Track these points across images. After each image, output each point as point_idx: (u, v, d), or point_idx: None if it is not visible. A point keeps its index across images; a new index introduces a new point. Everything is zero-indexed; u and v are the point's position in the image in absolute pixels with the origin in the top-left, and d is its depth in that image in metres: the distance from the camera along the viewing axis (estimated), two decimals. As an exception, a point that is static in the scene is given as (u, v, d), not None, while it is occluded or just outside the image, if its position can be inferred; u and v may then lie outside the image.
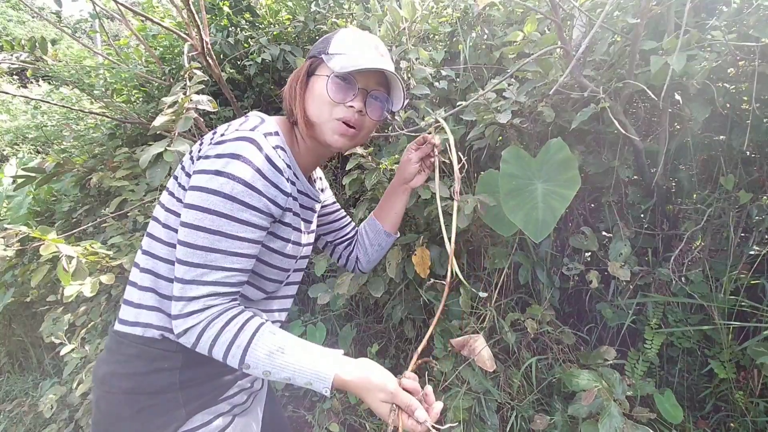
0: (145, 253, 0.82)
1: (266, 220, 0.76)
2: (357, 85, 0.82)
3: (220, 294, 0.72)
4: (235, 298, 0.75)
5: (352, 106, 0.82)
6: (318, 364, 0.69)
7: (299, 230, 0.88)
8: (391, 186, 1.11)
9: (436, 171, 1.04)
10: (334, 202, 1.16)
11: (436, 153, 1.04)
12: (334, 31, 0.93)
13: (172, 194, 0.81)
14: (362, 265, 1.18)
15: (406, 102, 0.92)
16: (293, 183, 0.83)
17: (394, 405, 0.70)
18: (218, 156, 0.71)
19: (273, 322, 0.94)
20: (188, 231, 0.71)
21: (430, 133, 1.07)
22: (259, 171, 0.72)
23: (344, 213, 1.18)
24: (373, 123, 0.88)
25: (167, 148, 1.32)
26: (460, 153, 1.03)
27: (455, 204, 0.98)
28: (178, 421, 0.77)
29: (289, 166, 0.82)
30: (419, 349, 0.85)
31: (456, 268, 0.90)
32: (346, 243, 1.18)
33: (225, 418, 0.83)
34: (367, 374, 0.70)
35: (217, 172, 0.70)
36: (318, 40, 0.89)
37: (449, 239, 0.93)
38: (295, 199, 0.84)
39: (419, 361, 0.85)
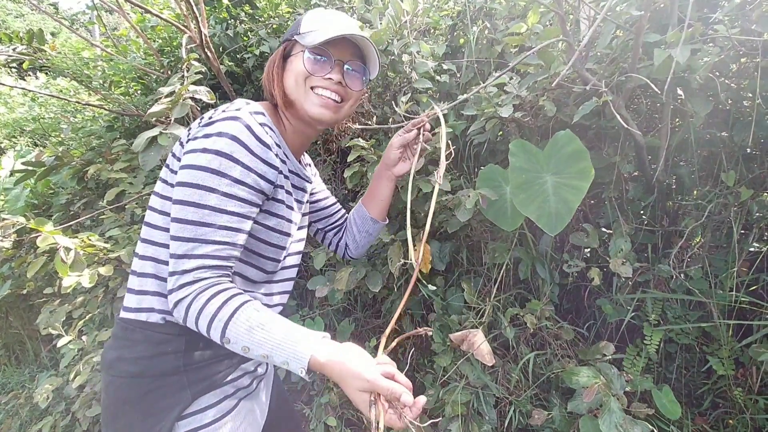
0: (145, 241, 0.83)
1: (256, 196, 0.77)
2: (332, 57, 0.84)
3: (209, 267, 0.72)
4: (226, 273, 0.75)
5: (330, 78, 0.83)
6: (297, 343, 0.67)
7: (291, 208, 0.89)
8: (376, 171, 1.13)
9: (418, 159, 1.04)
10: (323, 190, 1.17)
11: (421, 140, 1.03)
12: (303, 14, 0.94)
13: (165, 181, 0.82)
14: (351, 252, 1.19)
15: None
16: (284, 161, 0.85)
17: (373, 396, 0.64)
18: (206, 136, 0.73)
19: (274, 305, 0.95)
20: (179, 207, 0.72)
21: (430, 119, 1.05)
22: (246, 146, 0.73)
23: (334, 200, 1.20)
24: (356, 93, 0.89)
25: (162, 131, 1.32)
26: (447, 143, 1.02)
27: (435, 188, 0.96)
28: (183, 403, 0.78)
29: (278, 145, 0.83)
30: (387, 331, 0.83)
31: (416, 262, 0.90)
32: (336, 230, 1.19)
33: (230, 400, 0.84)
34: (344, 358, 0.66)
35: (204, 150, 0.72)
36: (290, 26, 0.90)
37: (423, 227, 0.92)
38: (286, 177, 0.86)
39: (395, 341, 0.82)
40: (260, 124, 0.77)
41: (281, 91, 0.86)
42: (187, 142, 0.77)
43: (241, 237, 0.76)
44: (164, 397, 0.78)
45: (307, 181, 0.97)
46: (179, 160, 0.79)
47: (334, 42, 0.82)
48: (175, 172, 0.78)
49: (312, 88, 0.84)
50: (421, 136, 1.04)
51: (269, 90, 0.89)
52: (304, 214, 1.00)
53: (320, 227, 1.19)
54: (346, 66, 0.86)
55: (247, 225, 0.77)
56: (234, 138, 0.72)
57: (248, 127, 0.74)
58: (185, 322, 0.72)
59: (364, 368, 0.65)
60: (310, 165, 1.11)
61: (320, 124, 0.89)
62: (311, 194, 1.12)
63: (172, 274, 0.72)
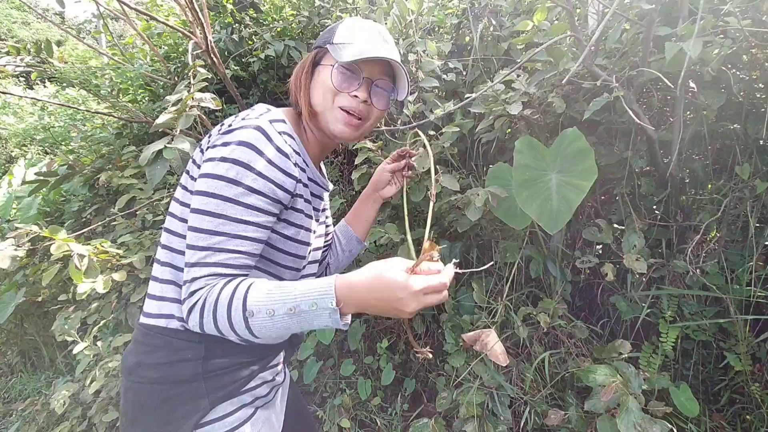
0: (164, 247, 0.83)
1: (273, 206, 0.76)
2: (362, 74, 0.82)
3: (221, 275, 0.71)
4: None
5: (356, 96, 0.82)
6: (317, 282, 0.66)
7: (310, 217, 0.88)
8: (364, 193, 1.14)
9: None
10: (327, 208, 1.16)
11: (413, 161, 1.09)
12: (339, 20, 0.92)
13: (185, 188, 0.82)
14: (330, 272, 1.18)
15: (411, 92, 0.90)
16: (303, 170, 0.84)
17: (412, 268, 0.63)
18: (224, 144, 0.72)
19: None
20: (195, 216, 0.72)
21: (413, 145, 1.09)
22: (264, 156, 0.72)
23: (331, 219, 1.19)
24: (380, 113, 0.88)
25: (167, 145, 1.32)
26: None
27: (431, 205, 0.96)
28: (201, 411, 0.78)
29: (298, 153, 0.82)
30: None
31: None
32: (324, 247, 1.18)
33: (247, 409, 0.84)
34: (375, 272, 0.64)
35: (222, 158, 0.71)
36: (324, 30, 0.89)
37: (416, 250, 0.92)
38: (305, 185, 0.85)
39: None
40: (279, 132, 0.76)
41: (307, 101, 0.85)
42: (206, 150, 0.77)
43: (256, 246, 0.75)
44: (183, 404, 0.78)
45: (325, 189, 0.96)
46: (199, 167, 0.78)
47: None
48: (195, 179, 0.78)
49: (339, 106, 0.82)
50: (410, 158, 1.10)
51: (295, 97, 0.88)
52: (321, 222, 0.99)
53: None
54: (374, 84, 0.85)
55: (263, 234, 0.76)
56: (251, 147, 0.71)
57: (266, 136, 0.73)
58: (201, 327, 0.71)
59: (398, 276, 0.63)
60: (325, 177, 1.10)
61: (339, 140, 0.89)
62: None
63: (185, 282, 0.72)
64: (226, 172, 0.71)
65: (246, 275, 0.75)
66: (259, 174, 0.72)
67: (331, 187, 1.06)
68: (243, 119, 0.75)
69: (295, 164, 0.79)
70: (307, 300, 0.65)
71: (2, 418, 2.36)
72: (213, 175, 0.71)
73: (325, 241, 1.17)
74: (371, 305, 0.66)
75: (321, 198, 0.96)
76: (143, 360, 0.80)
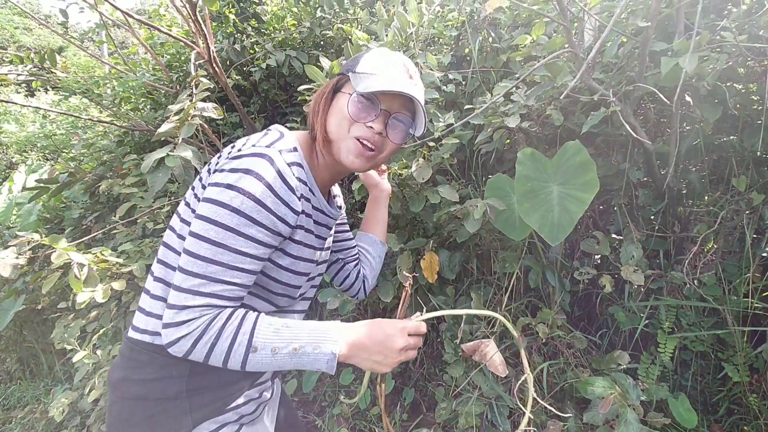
0: (160, 261, 0.83)
1: (273, 238, 0.75)
2: (380, 106, 0.81)
3: (215, 306, 0.71)
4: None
5: (371, 127, 0.81)
6: (321, 326, 0.74)
7: (312, 247, 0.87)
8: (369, 201, 1.19)
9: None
10: (345, 222, 1.16)
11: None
12: (366, 49, 0.92)
13: (188, 205, 0.81)
14: (369, 283, 1.19)
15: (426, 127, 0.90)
16: (308, 199, 0.82)
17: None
18: (232, 170, 0.71)
19: None
20: (193, 241, 0.71)
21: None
22: (270, 188, 0.71)
23: (350, 230, 1.19)
24: (395, 146, 0.87)
25: (169, 153, 1.34)
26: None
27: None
28: (184, 429, 0.77)
29: (305, 183, 0.81)
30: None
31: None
32: (354, 261, 1.17)
33: (231, 427, 0.83)
34: (369, 327, 0.76)
35: (229, 186, 0.70)
36: (350, 58, 0.89)
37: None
38: (308, 216, 0.83)
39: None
40: (289, 163, 0.75)
41: (323, 127, 0.84)
42: (213, 172, 0.76)
43: (250, 279, 0.75)
44: (166, 422, 0.77)
45: (332, 218, 0.94)
46: (204, 188, 0.77)
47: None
48: (199, 199, 0.77)
49: (355, 136, 0.81)
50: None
51: (312, 121, 0.87)
52: (325, 249, 0.97)
53: (341, 257, 1.16)
54: (392, 117, 0.84)
55: (258, 266, 0.75)
56: (259, 178, 0.70)
57: (275, 168, 0.72)
58: (186, 354, 0.70)
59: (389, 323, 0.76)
60: (338, 196, 1.08)
61: (351, 171, 0.88)
62: (337, 224, 1.11)
63: (171, 307, 0.69)
64: (230, 201, 0.69)
65: (238, 307, 0.74)
66: (263, 206, 0.71)
67: (342, 214, 1.06)
68: (254, 145, 0.74)
69: (300, 196, 0.78)
70: (312, 342, 0.70)
71: (2, 425, 2.36)
72: (217, 201, 0.70)
73: (352, 255, 1.17)
74: (363, 346, 0.74)
75: (328, 226, 0.94)
76: (129, 375, 0.80)
